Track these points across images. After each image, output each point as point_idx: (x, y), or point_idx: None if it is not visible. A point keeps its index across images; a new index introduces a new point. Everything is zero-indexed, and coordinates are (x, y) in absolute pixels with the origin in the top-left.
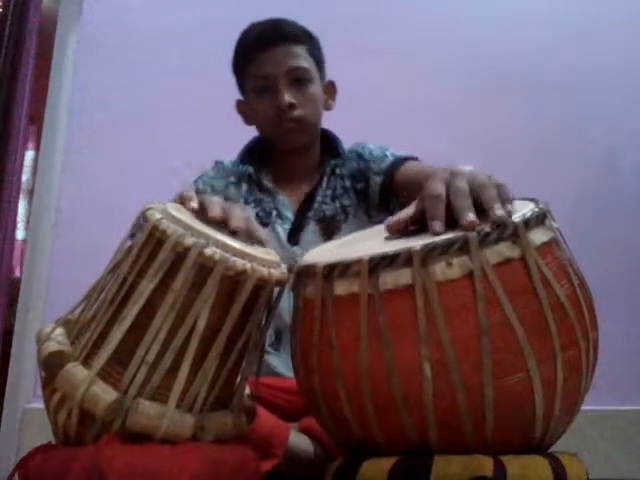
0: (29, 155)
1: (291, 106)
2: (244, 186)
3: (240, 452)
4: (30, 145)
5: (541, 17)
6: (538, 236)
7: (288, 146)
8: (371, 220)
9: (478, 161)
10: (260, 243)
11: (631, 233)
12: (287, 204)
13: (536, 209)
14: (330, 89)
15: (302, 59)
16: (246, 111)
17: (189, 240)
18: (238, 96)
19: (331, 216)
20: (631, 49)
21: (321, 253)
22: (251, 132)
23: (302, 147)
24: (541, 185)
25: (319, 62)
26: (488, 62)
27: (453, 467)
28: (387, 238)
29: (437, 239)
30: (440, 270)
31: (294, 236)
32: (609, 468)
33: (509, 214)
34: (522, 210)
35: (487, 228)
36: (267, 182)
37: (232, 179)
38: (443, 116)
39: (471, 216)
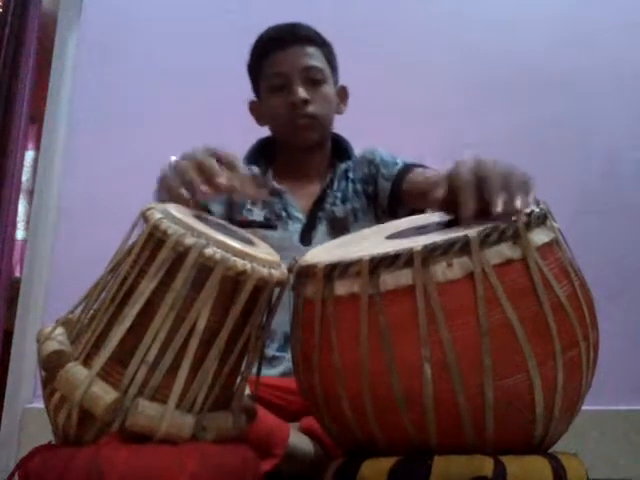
0: (29, 155)
1: (305, 102)
2: None
3: (240, 452)
4: (30, 145)
5: (541, 17)
6: (539, 237)
7: (301, 143)
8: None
9: None
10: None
11: (631, 233)
12: (295, 204)
13: (537, 209)
14: (342, 94)
15: (316, 59)
16: (259, 111)
17: (189, 240)
18: (237, 95)
19: (342, 217)
20: (631, 49)
21: (321, 253)
22: (252, 130)
23: (314, 145)
24: (541, 185)
25: (333, 66)
26: (488, 63)
27: (453, 467)
28: (387, 238)
29: (438, 239)
30: (441, 271)
31: (306, 236)
32: (609, 468)
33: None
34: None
35: (488, 228)
36: (273, 183)
37: None
38: (442, 116)
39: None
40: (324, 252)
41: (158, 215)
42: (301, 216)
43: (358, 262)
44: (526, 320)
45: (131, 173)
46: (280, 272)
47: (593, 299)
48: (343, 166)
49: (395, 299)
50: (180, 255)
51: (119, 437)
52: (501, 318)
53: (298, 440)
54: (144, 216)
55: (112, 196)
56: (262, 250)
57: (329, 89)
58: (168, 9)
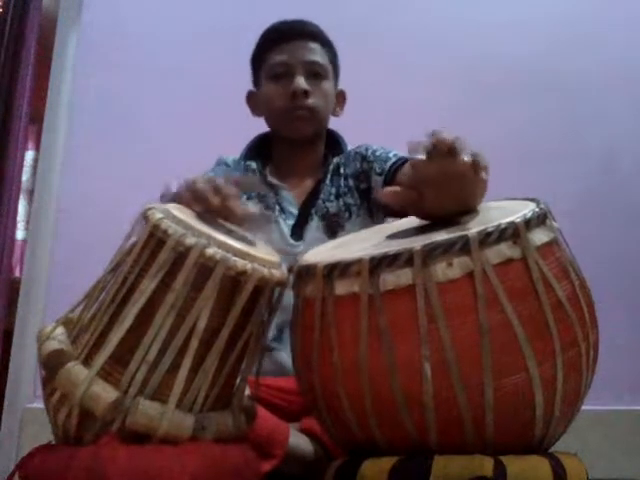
0: (29, 155)
1: (305, 93)
2: None
3: (240, 452)
4: (30, 145)
5: (539, 19)
6: (539, 236)
7: (295, 135)
8: (374, 221)
9: None
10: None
11: (631, 233)
12: (291, 200)
13: (537, 209)
14: (340, 97)
15: (320, 56)
16: (257, 101)
17: (190, 240)
18: (235, 96)
19: (335, 213)
20: (629, 50)
21: (321, 253)
22: (250, 131)
23: (308, 139)
24: (539, 186)
25: (335, 68)
26: (486, 64)
27: (453, 467)
28: (387, 237)
29: (438, 239)
30: (441, 270)
31: (297, 231)
32: (609, 468)
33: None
34: (523, 210)
35: (489, 228)
36: (270, 178)
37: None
38: (440, 118)
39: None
40: (324, 252)
41: (159, 215)
42: (294, 211)
43: (358, 262)
44: (526, 320)
45: (131, 173)
46: (280, 272)
47: (593, 299)
48: (336, 161)
49: (395, 299)
50: (181, 255)
51: (119, 437)
52: (501, 318)
53: (298, 440)
54: (145, 216)
55: (112, 196)
56: (262, 250)
57: (330, 86)
58: (168, 10)
